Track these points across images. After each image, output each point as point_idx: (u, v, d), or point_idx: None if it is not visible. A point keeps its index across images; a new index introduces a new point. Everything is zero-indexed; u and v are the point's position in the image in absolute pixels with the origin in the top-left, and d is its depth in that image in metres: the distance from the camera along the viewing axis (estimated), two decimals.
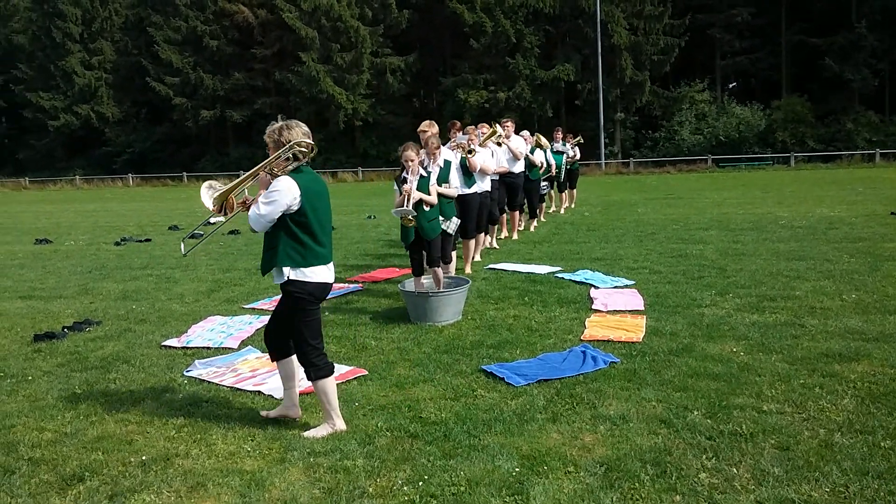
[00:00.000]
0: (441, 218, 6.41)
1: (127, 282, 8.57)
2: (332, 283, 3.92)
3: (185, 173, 38.08)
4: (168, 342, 5.74)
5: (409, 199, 6.04)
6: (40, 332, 6.09)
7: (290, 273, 3.72)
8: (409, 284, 6.38)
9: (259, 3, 38.45)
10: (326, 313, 6.52)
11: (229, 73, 38.63)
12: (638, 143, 39.39)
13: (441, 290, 6.15)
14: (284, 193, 3.64)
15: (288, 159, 3.77)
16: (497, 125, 9.45)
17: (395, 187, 6.28)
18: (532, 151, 11.28)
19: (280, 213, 3.67)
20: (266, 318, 6.40)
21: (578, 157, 15.46)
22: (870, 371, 4.53)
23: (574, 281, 7.65)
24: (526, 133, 11.56)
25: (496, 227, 10.32)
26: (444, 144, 7.27)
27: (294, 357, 3.93)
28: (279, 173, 3.74)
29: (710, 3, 37.61)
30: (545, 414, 4.03)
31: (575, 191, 16.42)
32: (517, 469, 3.37)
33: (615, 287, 7.21)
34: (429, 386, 4.54)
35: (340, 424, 3.86)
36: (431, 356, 5.14)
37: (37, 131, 42.87)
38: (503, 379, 4.59)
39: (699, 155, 35.15)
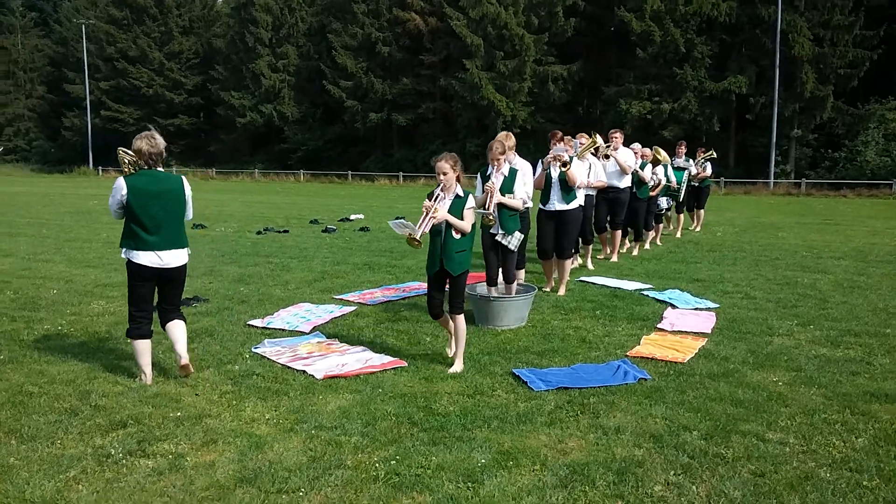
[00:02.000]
0: (502, 232, 6.44)
1: (248, 267, 9.54)
2: (157, 267, 4.70)
3: (349, 171, 40.40)
4: (253, 321, 6.46)
5: (491, 199, 6.28)
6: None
7: (123, 253, 4.74)
8: (480, 288, 6.67)
9: (430, 11, 39.96)
10: (402, 310, 6.99)
11: (398, 79, 40.47)
12: (815, 163, 36.69)
13: (504, 295, 6.40)
14: (115, 191, 4.66)
15: (129, 164, 4.85)
16: (597, 136, 9.04)
17: (479, 182, 6.63)
18: (643, 167, 10.62)
19: (116, 206, 4.69)
20: (351, 309, 7.01)
21: (709, 173, 13.90)
22: None
23: (657, 299, 7.60)
24: (637, 146, 10.96)
25: (590, 246, 9.63)
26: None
27: (171, 323, 4.87)
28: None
29: None
30: (545, 417, 4.22)
31: (703, 211, 14.69)
32: (484, 461, 3.62)
33: (695, 308, 7.09)
34: (455, 382, 4.85)
35: (147, 380, 4.76)
36: (474, 356, 5.44)
37: (226, 127, 47.22)
38: (526, 382, 4.80)
39: (884, 179, 32.19)
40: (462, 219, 5.04)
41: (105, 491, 3.38)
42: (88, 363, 5.24)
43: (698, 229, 14.46)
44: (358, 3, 41.51)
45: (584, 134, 9.24)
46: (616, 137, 9.72)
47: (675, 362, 5.28)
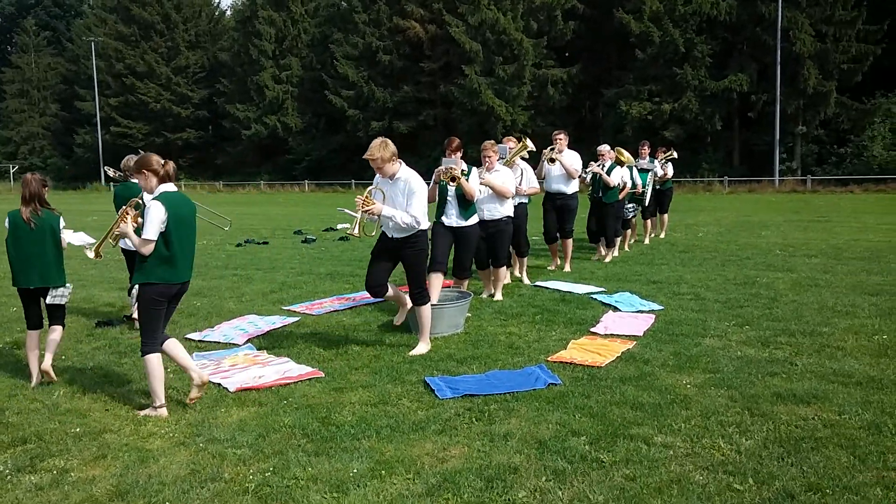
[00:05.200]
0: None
1: (211, 280, 9.66)
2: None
3: (353, 180, 40.63)
4: (190, 335, 6.55)
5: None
6: (104, 319, 7.15)
7: None
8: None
9: (430, 19, 40.18)
10: (343, 319, 7.06)
11: (399, 87, 40.70)
12: (821, 160, 36.35)
13: (436, 302, 6.43)
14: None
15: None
16: (527, 139, 8.47)
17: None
18: (611, 170, 10.17)
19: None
20: (294, 320, 7.09)
21: (671, 174, 12.93)
22: (809, 415, 4.27)
23: (603, 302, 7.60)
24: (605, 147, 10.39)
25: (524, 259, 8.95)
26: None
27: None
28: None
29: None
30: (439, 425, 4.26)
31: (666, 216, 13.64)
32: (358, 470, 3.67)
33: (638, 311, 7.09)
34: (364, 391, 4.90)
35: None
36: (395, 365, 5.49)
37: (232, 139, 47.75)
38: (434, 390, 4.84)
39: (892, 173, 31.77)
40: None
41: None
42: (15, 380, 5.35)
43: (662, 235, 13.62)
44: (359, 13, 41.87)
45: (511, 138, 8.82)
46: (560, 139, 9.20)
47: (593, 366, 5.29)
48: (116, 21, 52.01)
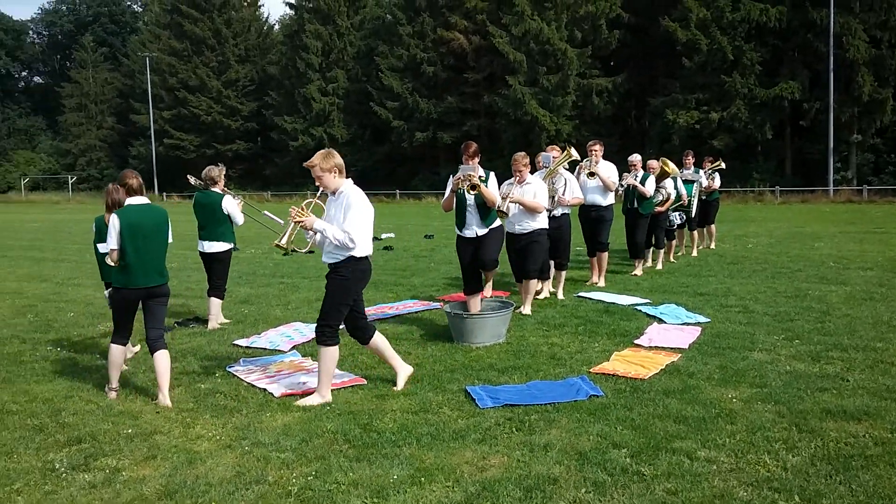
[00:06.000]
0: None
1: (259, 287, 9.84)
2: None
3: (398, 190, 40.92)
4: (238, 341, 6.69)
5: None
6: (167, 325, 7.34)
7: None
8: (457, 306, 6.75)
9: (473, 30, 40.29)
10: (386, 328, 7.13)
11: (442, 97, 40.87)
12: (878, 169, 35.33)
13: (477, 312, 6.46)
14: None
15: None
16: (571, 149, 8.28)
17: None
18: (644, 180, 9.90)
19: None
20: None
21: (718, 185, 12.66)
22: (860, 432, 4.16)
23: (648, 314, 7.52)
24: (636, 157, 10.07)
25: (563, 272, 8.62)
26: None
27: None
28: None
29: None
30: (479, 434, 4.27)
31: (714, 227, 13.30)
32: (398, 477, 3.70)
33: (683, 323, 7.00)
34: (406, 399, 4.94)
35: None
36: (437, 373, 5.52)
37: (280, 151, 48.50)
38: (475, 399, 4.85)
39: None
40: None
41: (39, 502, 3.59)
42: (72, 382, 5.54)
43: (713, 246, 13.32)
44: (404, 25, 42.21)
45: (555, 146, 8.60)
46: (595, 150, 8.94)
47: (637, 378, 5.25)
48: (170, 37, 53.44)
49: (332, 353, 4.93)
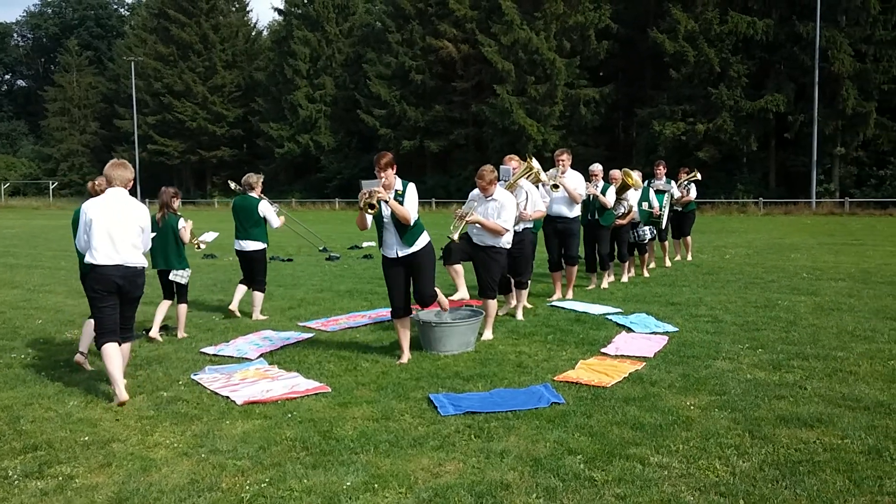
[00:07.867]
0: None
1: (231, 295, 9.76)
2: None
3: None
4: (205, 349, 6.68)
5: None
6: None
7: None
8: (425, 314, 6.75)
9: (462, 39, 40.49)
10: (357, 336, 7.13)
11: (430, 106, 41.04)
12: (860, 181, 35.69)
13: (446, 320, 6.47)
14: None
15: None
16: (533, 159, 7.74)
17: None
18: (605, 190, 9.51)
19: None
20: (308, 336, 7.18)
21: (694, 196, 12.39)
22: (811, 438, 4.22)
23: (617, 323, 7.57)
24: (597, 167, 9.70)
25: (524, 291, 8.01)
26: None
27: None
28: None
29: None
30: (437, 441, 4.29)
31: (689, 238, 13.02)
32: (351, 483, 3.71)
33: (652, 332, 7.05)
34: (369, 407, 4.95)
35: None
36: (402, 381, 5.53)
37: (266, 157, 48.53)
38: (437, 407, 4.87)
39: None
40: None
41: None
42: (33, 389, 5.51)
43: (689, 258, 13.14)
44: (393, 33, 42.39)
45: (513, 156, 8.01)
46: (563, 160, 8.54)
47: (599, 386, 5.28)
48: (156, 41, 53.38)
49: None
